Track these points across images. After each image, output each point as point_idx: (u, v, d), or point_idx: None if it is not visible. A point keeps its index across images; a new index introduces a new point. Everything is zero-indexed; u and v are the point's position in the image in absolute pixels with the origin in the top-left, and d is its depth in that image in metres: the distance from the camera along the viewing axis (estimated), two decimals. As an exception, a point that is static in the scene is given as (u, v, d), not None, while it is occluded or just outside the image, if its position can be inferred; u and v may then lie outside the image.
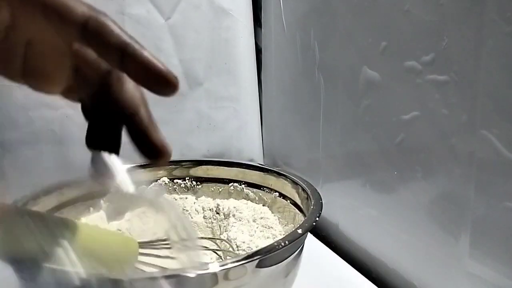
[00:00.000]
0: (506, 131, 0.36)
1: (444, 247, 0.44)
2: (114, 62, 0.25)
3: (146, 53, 0.25)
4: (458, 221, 0.42)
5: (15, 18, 0.26)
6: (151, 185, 0.59)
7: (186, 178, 0.59)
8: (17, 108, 0.68)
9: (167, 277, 0.32)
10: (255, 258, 0.34)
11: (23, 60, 0.28)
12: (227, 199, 0.57)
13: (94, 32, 0.25)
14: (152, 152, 0.30)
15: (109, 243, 0.35)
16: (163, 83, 0.25)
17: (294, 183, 0.51)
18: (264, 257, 0.35)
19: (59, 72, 0.29)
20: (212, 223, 0.55)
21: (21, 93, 0.67)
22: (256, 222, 0.51)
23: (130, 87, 0.29)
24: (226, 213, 0.54)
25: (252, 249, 0.45)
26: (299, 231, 0.38)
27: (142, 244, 0.39)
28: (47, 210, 0.49)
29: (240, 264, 0.33)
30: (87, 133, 0.31)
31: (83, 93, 0.30)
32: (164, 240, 0.48)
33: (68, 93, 0.30)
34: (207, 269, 0.32)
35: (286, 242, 0.36)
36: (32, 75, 0.28)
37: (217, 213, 0.55)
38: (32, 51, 0.27)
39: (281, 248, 0.35)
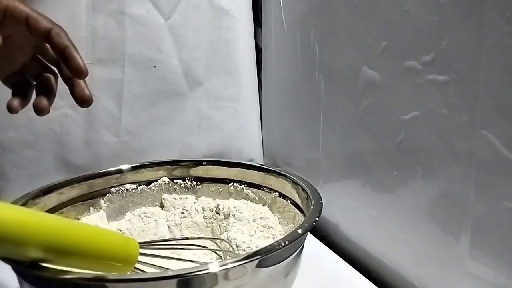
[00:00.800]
0: (506, 131, 0.36)
1: (444, 247, 0.44)
2: (58, 55, 0.43)
3: (75, 53, 0.43)
4: (458, 221, 0.42)
5: (5, 21, 0.42)
6: (151, 184, 0.59)
7: (186, 178, 0.59)
8: (17, 108, 0.68)
9: (168, 277, 0.32)
10: (255, 258, 0.34)
11: None
12: (227, 199, 0.57)
13: (53, 36, 0.43)
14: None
15: (109, 243, 0.35)
16: (79, 72, 0.43)
17: (294, 183, 0.51)
18: (264, 257, 0.35)
19: (21, 57, 0.46)
20: (212, 223, 0.55)
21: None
22: (256, 222, 0.51)
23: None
24: (226, 213, 0.54)
25: (252, 249, 0.45)
26: (299, 231, 0.38)
27: (143, 244, 0.39)
28: (47, 210, 0.49)
29: (240, 264, 0.34)
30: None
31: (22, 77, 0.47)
32: (165, 240, 0.48)
33: (8, 78, 0.47)
34: (207, 269, 0.32)
35: (286, 242, 0.36)
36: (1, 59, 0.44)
37: (217, 213, 0.55)
38: (9, 42, 0.43)
39: (281, 248, 0.35)
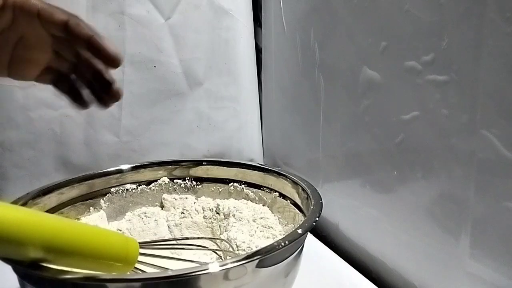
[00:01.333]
0: (506, 131, 0.36)
1: (444, 247, 0.44)
2: (83, 47, 0.40)
3: (102, 41, 0.39)
4: (458, 221, 0.42)
5: (15, 20, 0.38)
6: (151, 184, 0.59)
7: (186, 178, 0.59)
8: (17, 108, 0.68)
9: (168, 277, 0.32)
10: (255, 258, 0.34)
11: (11, 53, 0.40)
12: (227, 199, 0.57)
13: (72, 27, 0.39)
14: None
15: (109, 243, 0.35)
16: (112, 60, 0.40)
17: (294, 183, 0.51)
18: (264, 257, 0.35)
19: (42, 56, 0.42)
20: (212, 223, 0.55)
21: (21, 93, 0.67)
22: (256, 222, 0.51)
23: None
24: (226, 213, 0.54)
25: (252, 249, 0.45)
26: (299, 231, 0.38)
27: (142, 244, 0.38)
28: (47, 210, 0.49)
29: (240, 264, 0.34)
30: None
31: (57, 71, 0.43)
32: (164, 240, 0.48)
33: (40, 77, 0.43)
34: (207, 269, 0.32)
35: (286, 242, 0.36)
36: (19, 63, 0.41)
37: (217, 213, 0.55)
38: (24, 43, 0.39)
39: (281, 248, 0.35)
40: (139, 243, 0.38)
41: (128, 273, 0.37)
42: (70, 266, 0.33)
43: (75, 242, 0.33)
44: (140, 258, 0.37)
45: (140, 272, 0.38)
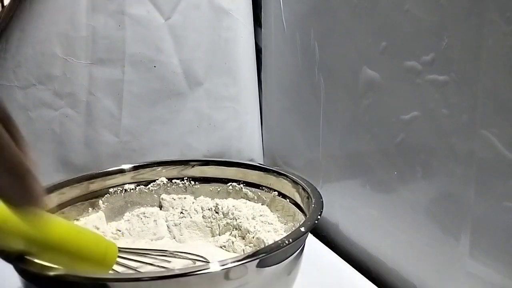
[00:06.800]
0: (506, 131, 0.36)
1: (444, 247, 0.44)
2: None
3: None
4: (458, 221, 0.42)
5: None
6: (149, 184, 0.59)
7: (185, 178, 0.59)
8: (17, 108, 0.68)
9: (168, 277, 0.32)
10: (256, 257, 0.34)
11: None
12: (225, 198, 0.57)
13: None
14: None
15: (89, 243, 0.35)
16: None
17: (295, 182, 0.51)
18: (265, 256, 0.35)
19: None
20: (211, 222, 0.55)
21: (21, 93, 0.67)
22: (255, 220, 0.51)
23: None
24: (225, 213, 0.54)
25: (260, 239, 0.46)
26: (302, 229, 0.38)
27: (122, 249, 0.38)
28: (48, 210, 0.49)
29: (241, 264, 0.34)
30: None
31: None
32: (145, 249, 0.46)
33: None
34: (208, 268, 0.32)
35: (290, 240, 0.36)
36: None
37: (216, 212, 0.55)
38: None
39: (284, 247, 0.35)
40: (119, 248, 0.38)
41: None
42: (52, 262, 0.33)
43: (56, 238, 0.33)
44: (120, 260, 0.37)
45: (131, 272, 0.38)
